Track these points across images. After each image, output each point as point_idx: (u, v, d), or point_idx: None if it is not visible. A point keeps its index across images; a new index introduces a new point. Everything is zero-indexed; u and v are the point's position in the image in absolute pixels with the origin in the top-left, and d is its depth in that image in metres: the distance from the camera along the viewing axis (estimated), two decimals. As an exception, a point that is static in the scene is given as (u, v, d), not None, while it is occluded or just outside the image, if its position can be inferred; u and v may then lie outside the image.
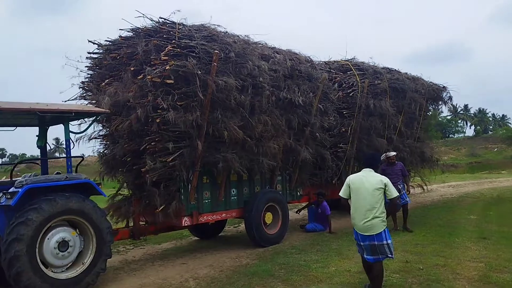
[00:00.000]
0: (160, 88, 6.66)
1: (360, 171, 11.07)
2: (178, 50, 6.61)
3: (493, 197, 13.86)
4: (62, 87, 8.64)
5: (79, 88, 7.97)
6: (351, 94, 10.44)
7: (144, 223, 7.84)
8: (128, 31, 7.25)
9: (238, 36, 7.99)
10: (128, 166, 7.33)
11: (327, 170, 10.14)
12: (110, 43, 7.56)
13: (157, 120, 6.68)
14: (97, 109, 6.35)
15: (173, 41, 6.70)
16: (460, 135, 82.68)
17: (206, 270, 6.77)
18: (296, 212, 11.20)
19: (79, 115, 6.16)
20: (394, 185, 8.03)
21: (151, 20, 6.91)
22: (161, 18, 6.92)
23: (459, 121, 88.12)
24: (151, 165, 6.80)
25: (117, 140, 7.48)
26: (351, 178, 5.21)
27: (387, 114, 11.18)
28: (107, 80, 7.46)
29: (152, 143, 6.87)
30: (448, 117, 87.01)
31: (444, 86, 13.73)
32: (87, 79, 7.97)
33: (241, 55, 7.44)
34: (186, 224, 7.51)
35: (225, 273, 6.51)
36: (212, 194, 7.91)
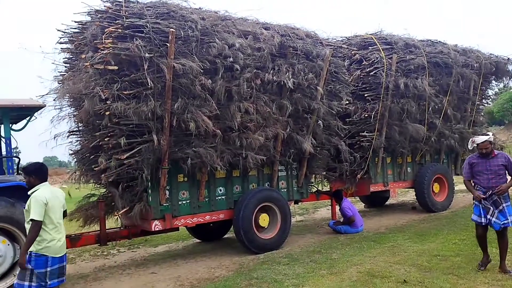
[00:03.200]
0: (104, 76, 5.84)
1: (391, 163, 9.60)
2: (120, 31, 5.72)
3: None
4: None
5: (57, 82, 7.44)
6: (372, 73, 8.81)
7: (120, 226, 7.18)
8: (85, 14, 6.48)
9: (213, 12, 6.92)
10: (89, 164, 6.65)
11: (345, 163, 8.65)
12: (74, 29, 6.87)
13: (107, 113, 5.88)
14: (29, 102, 5.71)
15: (118, 21, 5.82)
16: None
17: (166, 283, 5.88)
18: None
19: (6, 110, 5.56)
20: (490, 194, 5.12)
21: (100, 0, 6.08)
22: (109, -4, 6.07)
23: None
24: (104, 164, 6.04)
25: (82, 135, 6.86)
26: (46, 195, 4.01)
27: (424, 94, 9.36)
28: (70, 71, 6.82)
29: (105, 139, 6.09)
30: None
31: (509, 58, 11.33)
32: (63, 71, 7.41)
33: (208, 33, 6.37)
34: (157, 229, 6.66)
35: (181, 288, 5.57)
36: (191, 194, 6.97)
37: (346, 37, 9.72)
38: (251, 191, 7.42)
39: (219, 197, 7.31)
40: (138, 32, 5.84)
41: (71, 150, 7.18)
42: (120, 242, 8.71)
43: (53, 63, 7.04)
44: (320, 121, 7.66)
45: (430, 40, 10.36)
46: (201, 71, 6.12)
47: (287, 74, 7.09)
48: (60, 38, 6.83)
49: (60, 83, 7.13)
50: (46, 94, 6.88)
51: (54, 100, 6.45)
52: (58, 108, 6.89)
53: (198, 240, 8.83)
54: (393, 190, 9.93)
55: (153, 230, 6.64)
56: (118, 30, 5.73)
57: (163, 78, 6.00)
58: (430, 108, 9.53)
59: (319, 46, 7.86)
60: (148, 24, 5.87)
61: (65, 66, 7.16)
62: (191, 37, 6.18)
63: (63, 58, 7.20)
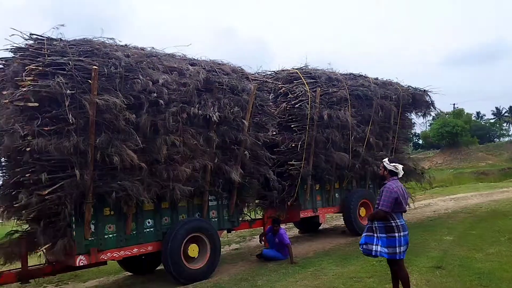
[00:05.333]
0: (25, 112, 5.87)
1: (320, 189, 10.03)
2: (41, 68, 5.81)
3: (488, 211, 12.24)
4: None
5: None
6: (297, 105, 9.35)
7: (44, 263, 7.02)
8: (7, 51, 6.47)
9: (139, 48, 7.17)
10: (10, 200, 6.54)
11: (274, 191, 9.03)
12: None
13: (27, 149, 5.88)
14: None
15: (39, 59, 5.92)
16: (505, 139, 77.58)
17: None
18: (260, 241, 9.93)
19: None
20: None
21: (22, 38, 6.14)
22: (33, 34, 6.16)
23: (504, 124, 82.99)
24: (25, 200, 5.99)
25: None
26: None
27: (347, 125, 10.01)
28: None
29: (26, 175, 6.06)
30: (491, 121, 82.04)
31: (424, 90, 12.37)
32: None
33: (133, 70, 6.58)
34: (82, 264, 6.61)
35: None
36: (118, 227, 6.99)
37: (274, 72, 10.26)
38: (180, 222, 7.56)
39: (147, 229, 7.37)
40: (59, 69, 5.95)
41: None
42: (49, 279, 8.52)
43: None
44: (246, 152, 7.98)
45: (352, 74, 11.14)
46: (125, 106, 6.28)
47: (213, 108, 7.40)
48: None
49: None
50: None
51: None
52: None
53: (130, 273, 8.76)
54: (322, 216, 10.38)
55: (77, 265, 6.57)
56: (39, 67, 5.81)
57: (86, 113, 6.11)
58: (353, 137, 10.17)
59: (244, 81, 8.27)
60: (70, 62, 6.00)
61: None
62: (115, 73, 6.36)
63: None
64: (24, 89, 5.68)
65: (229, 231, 9.16)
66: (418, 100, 12.09)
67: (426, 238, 9.16)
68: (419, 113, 12.62)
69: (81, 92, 6.05)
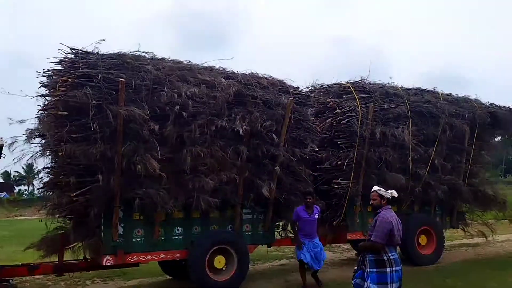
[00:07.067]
0: (58, 120, 6.48)
1: (371, 211, 9.39)
2: (71, 80, 6.37)
3: None
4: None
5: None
6: (345, 121, 8.86)
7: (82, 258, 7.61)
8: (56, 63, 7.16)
9: (175, 62, 7.49)
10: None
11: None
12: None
13: (60, 154, 6.48)
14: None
15: (72, 71, 6.49)
16: None
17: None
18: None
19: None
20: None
21: (64, 52, 6.78)
22: (73, 48, 6.78)
23: None
24: (57, 200, 6.60)
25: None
26: None
27: (405, 144, 9.22)
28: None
29: (60, 177, 6.68)
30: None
31: (511, 109, 10.87)
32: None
33: (160, 82, 6.88)
34: (109, 263, 7.03)
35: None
36: (146, 232, 7.32)
37: (327, 85, 9.90)
38: (207, 232, 7.65)
39: (176, 237, 7.57)
40: (89, 81, 6.46)
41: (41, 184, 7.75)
42: (98, 273, 9.21)
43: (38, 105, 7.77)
44: (278, 167, 7.77)
45: (419, 88, 10.27)
46: (147, 118, 6.58)
47: (240, 121, 7.37)
48: (40, 84, 7.59)
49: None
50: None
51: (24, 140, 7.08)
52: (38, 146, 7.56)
53: (171, 277, 9.06)
54: (373, 240, 9.63)
55: (104, 264, 7.02)
56: (70, 79, 6.37)
57: (112, 123, 6.53)
58: (410, 158, 9.32)
59: (284, 94, 8.11)
60: (99, 74, 6.48)
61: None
62: (142, 86, 6.71)
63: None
64: (55, 99, 6.28)
65: (269, 246, 9.04)
66: (501, 119, 10.66)
67: (486, 278, 8.01)
68: (506, 135, 11.14)
69: (108, 103, 6.50)
